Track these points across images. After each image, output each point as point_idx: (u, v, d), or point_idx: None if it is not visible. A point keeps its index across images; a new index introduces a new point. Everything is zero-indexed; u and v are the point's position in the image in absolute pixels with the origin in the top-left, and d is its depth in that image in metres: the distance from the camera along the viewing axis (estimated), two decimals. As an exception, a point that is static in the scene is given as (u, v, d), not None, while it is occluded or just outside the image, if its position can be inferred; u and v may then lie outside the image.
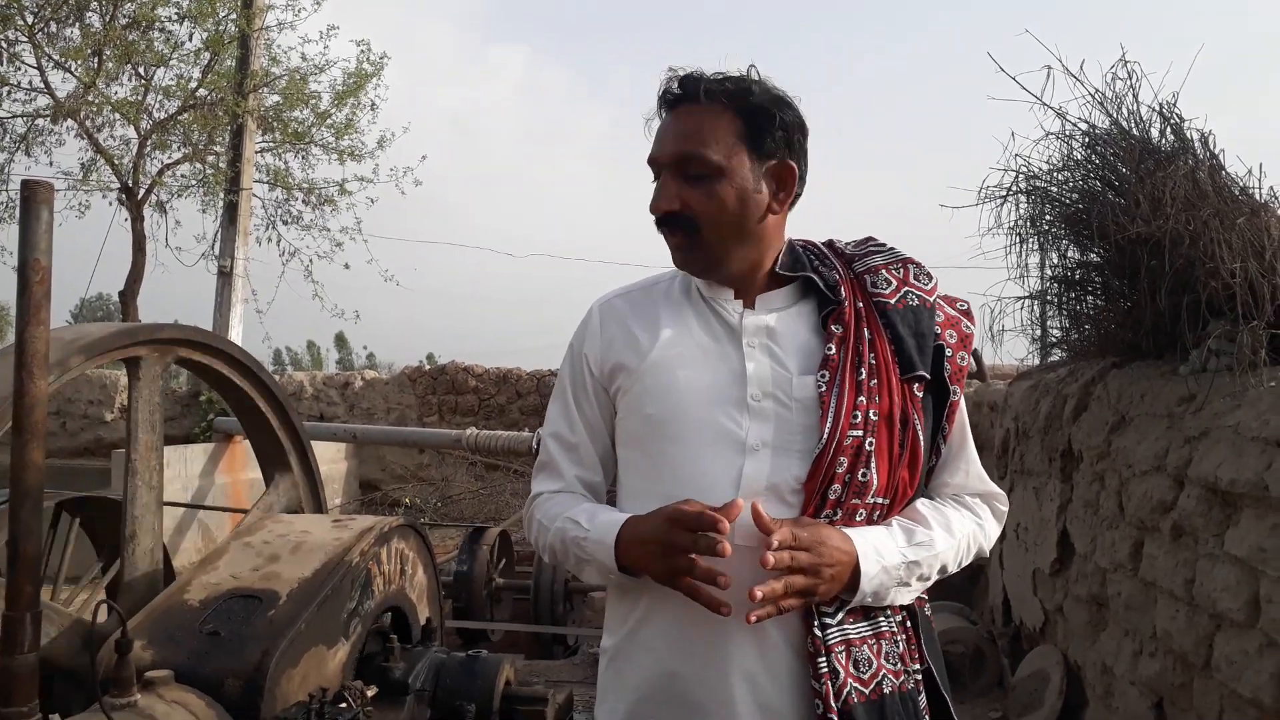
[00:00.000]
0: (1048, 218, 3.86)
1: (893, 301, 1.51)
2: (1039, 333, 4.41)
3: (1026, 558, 4.44)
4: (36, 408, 1.43)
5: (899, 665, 1.42)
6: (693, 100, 1.47)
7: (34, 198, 1.50)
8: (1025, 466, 4.57)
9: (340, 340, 59.43)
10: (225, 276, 11.10)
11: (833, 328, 1.47)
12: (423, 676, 2.25)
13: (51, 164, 13.55)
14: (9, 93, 13.16)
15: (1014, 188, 3.83)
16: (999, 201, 3.87)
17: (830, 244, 1.61)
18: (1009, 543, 4.78)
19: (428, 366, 12.20)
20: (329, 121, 14.21)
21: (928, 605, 1.55)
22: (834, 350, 1.45)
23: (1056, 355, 4.64)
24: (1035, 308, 4.22)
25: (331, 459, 10.31)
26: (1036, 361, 4.79)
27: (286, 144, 14.21)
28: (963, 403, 1.55)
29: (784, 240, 1.56)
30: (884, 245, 1.59)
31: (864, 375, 1.44)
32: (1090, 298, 4.05)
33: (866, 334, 1.47)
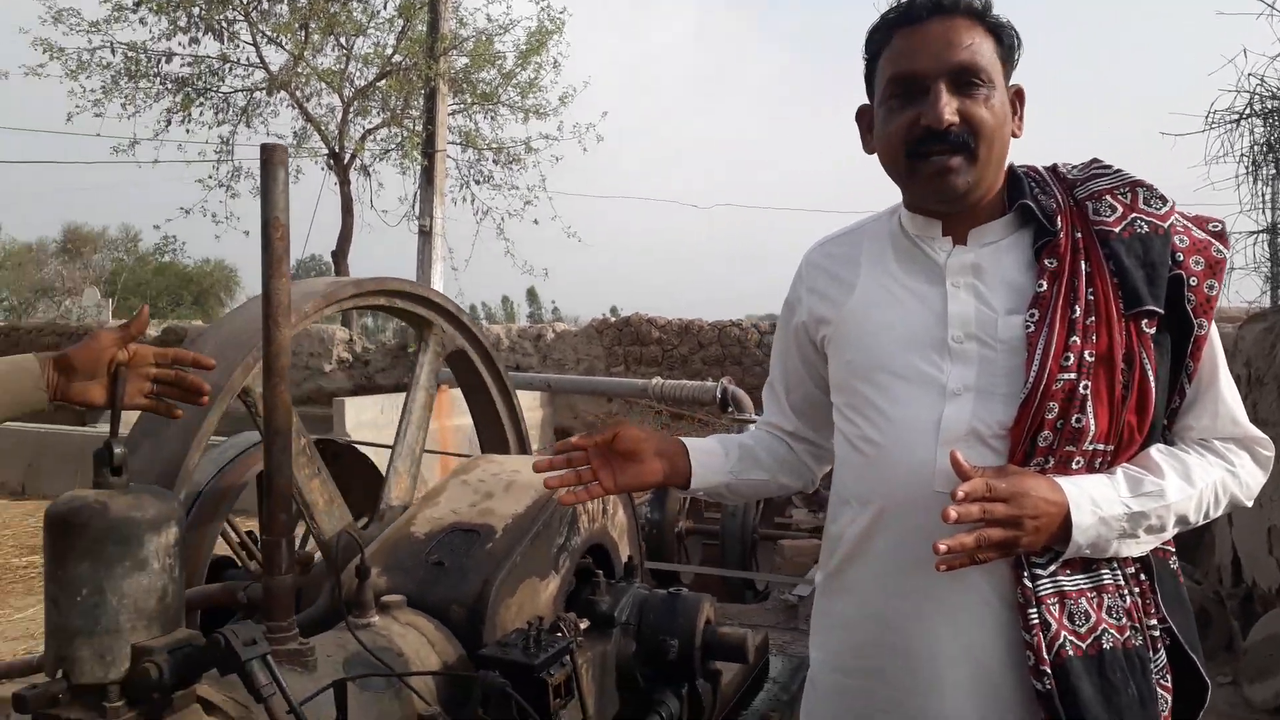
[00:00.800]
0: (1290, 139, 3.48)
1: (1117, 230, 1.38)
2: (1274, 270, 4.01)
3: (1260, 515, 4.10)
4: (282, 354, 1.57)
5: (1123, 620, 1.32)
6: (949, 12, 1.38)
7: (271, 160, 1.62)
8: (1259, 415, 4.20)
9: (531, 295, 61.63)
10: (425, 235, 11.70)
11: (1046, 262, 1.37)
12: (627, 611, 2.33)
13: (268, 134, 14.65)
14: (230, 69, 14.28)
15: (1247, 110, 3.47)
16: (1230, 126, 3.52)
17: (1054, 169, 1.49)
18: (1239, 496, 4.42)
19: (613, 319, 12.45)
20: (514, 81, 14.62)
21: (1173, 559, 1.43)
22: (1045, 287, 1.36)
23: (1295, 293, 4.21)
24: (1270, 243, 3.83)
25: (528, 407, 10.77)
26: (1269, 303, 4.36)
27: (476, 105, 14.74)
28: (1214, 337, 1.40)
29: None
30: (1110, 168, 1.46)
31: (1078, 313, 1.33)
32: (1340, 226, 3.64)
33: (1084, 267, 1.36)
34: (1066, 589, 1.31)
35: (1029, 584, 1.31)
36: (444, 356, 2.82)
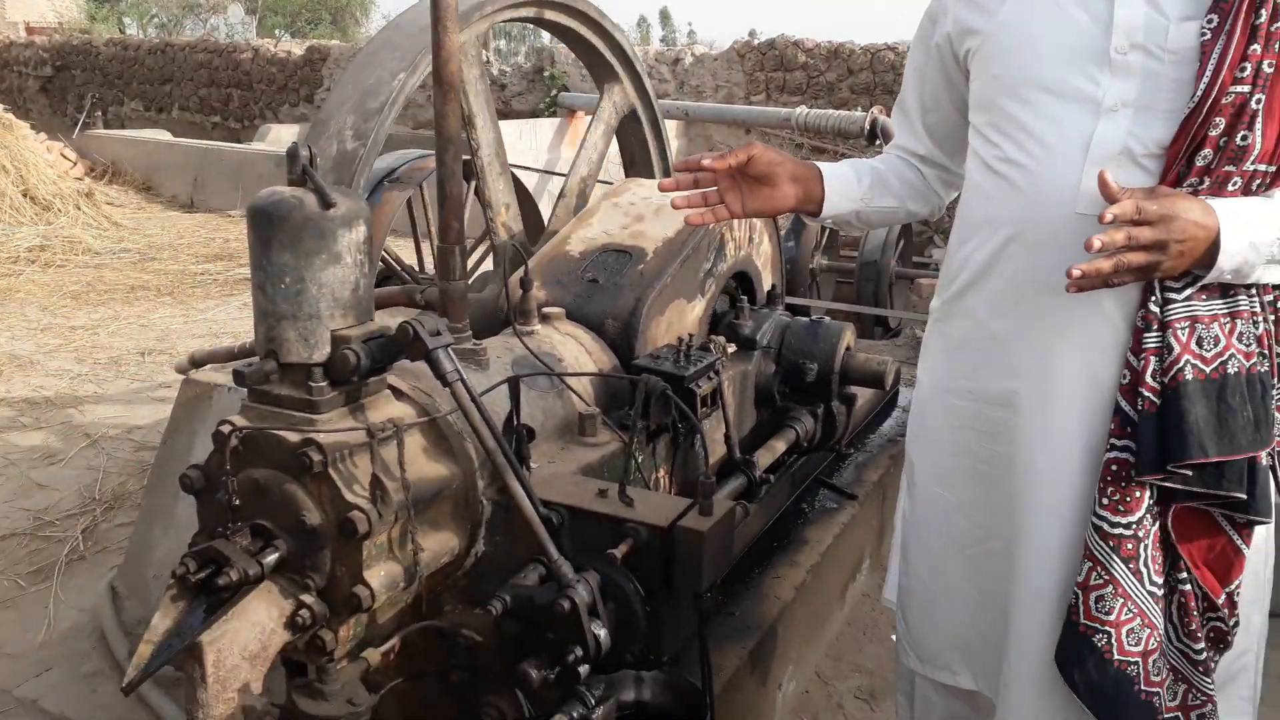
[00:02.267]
0: None
1: None
2: None
3: None
4: (451, 61, 1.57)
5: (1252, 346, 1.29)
6: None
7: None
8: None
9: (664, 16, 58.67)
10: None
11: None
12: (769, 334, 2.40)
13: None
14: None
15: None
16: None
17: None
18: None
19: (755, 42, 11.81)
20: None
21: None
22: None
23: None
24: None
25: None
26: None
27: None
28: None
29: None
30: None
31: (1264, 18, 1.20)
32: None
33: None
34: (1200, 314, 1.28)
35: (1155, 309, 1.27)
36: (623, 111, 2.86)
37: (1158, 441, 1.27)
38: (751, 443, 2.28)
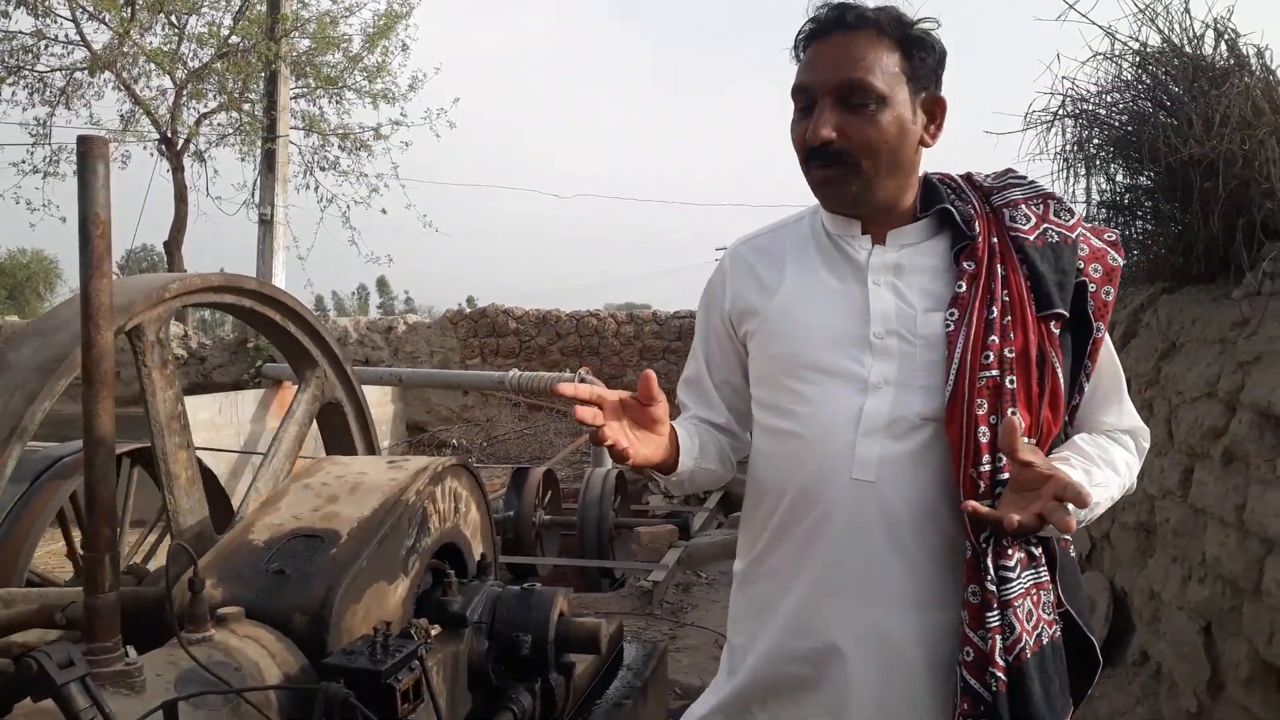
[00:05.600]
0: (1095, 141, 3.77)
1: (1031, 238, 1.45)
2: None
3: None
4: (104, 359, 1.48)
5: (1051, 614, 1.39)
6: (852, 27, 1.41)
7: (90, 153, 1.52)
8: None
9: (382, 284, 59.98)
10: (266, 224, 11.22)
11: (964, 264, 1.44)
12: (480, 609, 2.31)
13: (91, 117, 13.70)
14: (46, 46, 13.26)
15: (1060, 111, 3.74)
16: (1045, 126, 3.78)
17: (968, 177, 1.57)
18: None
19: (468, 310, 12.29)
20: (361, 65, 14.16)
21: (1072, 547, 1.52)
22: (964, 287, 1.42)
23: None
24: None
25: (378, 402, 10.50)
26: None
27: (320, 89, 14.21)
28: (1108, 339, 1.50)
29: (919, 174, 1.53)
30: (1024, 179, 1.55)
31: (995, 313, 1.40)
32: (1139, 223, 3.97)
33: (1000, 270, 1.43)
34: (1021, 591, 1.36)
35: (993, 588, 1.34)
36: (321, 404, 2.80)
37: None
38: (467, 730, 2.13)
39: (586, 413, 1.33)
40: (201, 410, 8.51)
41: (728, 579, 3.15)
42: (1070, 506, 1.25)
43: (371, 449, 3.11)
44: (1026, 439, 1.35)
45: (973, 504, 1.29)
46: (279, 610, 1.84)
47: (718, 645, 1.56)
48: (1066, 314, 1.43)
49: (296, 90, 13.59)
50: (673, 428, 1.53)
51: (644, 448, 1.40)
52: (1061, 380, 1.41)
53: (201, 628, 1.68)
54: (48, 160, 13.75)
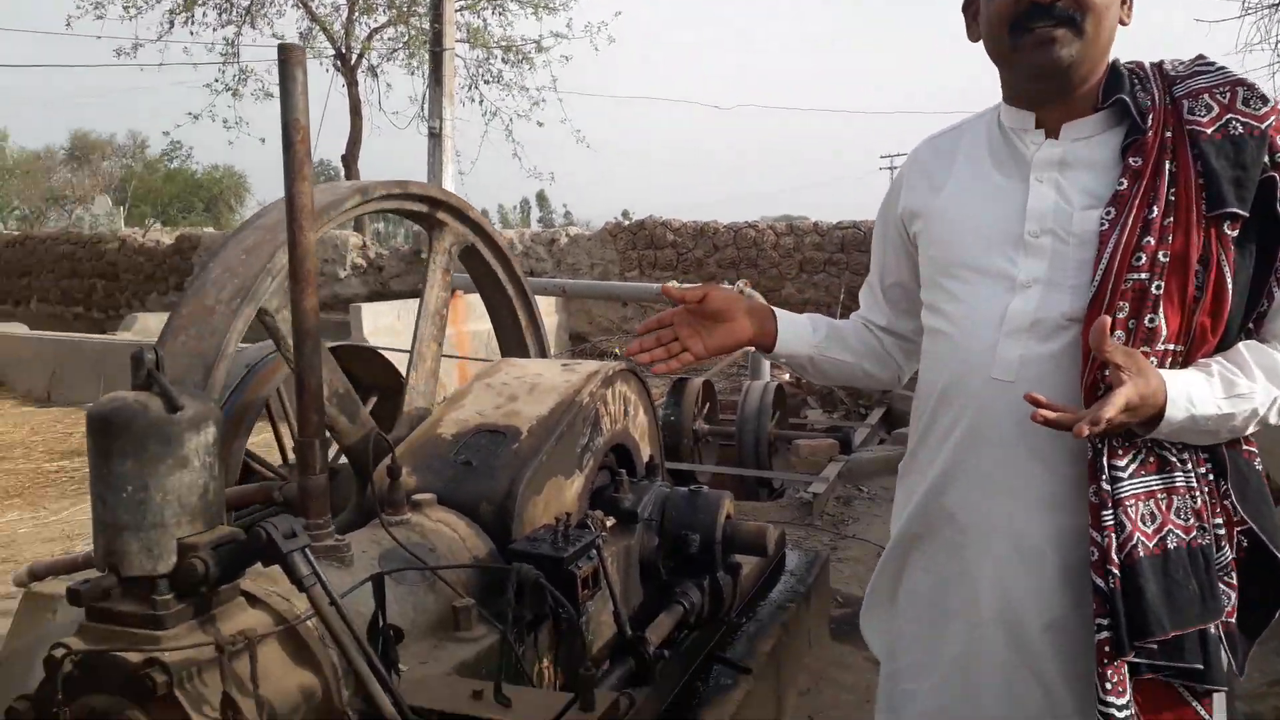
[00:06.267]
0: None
1: (1209, 130, 1.36)
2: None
3: None
4: (308, 258, 1.57)
5: (1190, 521, 1.35)
6: None
7: (290, 60, 1.59)
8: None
9: (541, 199, 61.03)
10: (435, 138, 11.54)
11: (1131, 160, 1.37)
12: (650, 507, 2.38)
13: (273, 35, 14.32)
14: (233, -33, 13.88)
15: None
16: (1267, 10, 3.40)
17: (1159, 65, 1.46)
18: None
19: (626, 222, 12.35)
20: (523, -27, 14.17)
21: (1258, 460, 1.44)
22: (1126, 185, 1.36)
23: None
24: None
25: (543, 312, 10.77)
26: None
27: (483, 2, 14.33)
28: None
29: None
30: (1213, 65, 1.43)
31: (1155, 213, 1.33)
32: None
33: (1169, 166, 1.35)
34: (1139, 491, 1.34)
35: (1107, 487, 1.33)
36: (456, 254, 2.82)
37: (1127, 618, 1.31)
38: (639, 621, 2.22)
39: (634, 346, 1.62)
40: (382, 316, 8.99)
41: (890, 494, 3.09)
42: (1191, 409, 1.28)
43: (542, 347, 3.20)
44: (1173, 345, 1.33)
45: (1032, 394, 1.28)
46: (467, 498, 1.96)
47: (879, 558, 1.59)
48: (1244, 213, 1.33)
49: (461, 2, 13.77)
50: (775, 311, 1.68)
51: (714, 340, 1.61)
52: (1230, 285, 1.33)
53: (399, 511, 1.81)
54: (236, 78, 14.56)
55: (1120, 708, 1.32)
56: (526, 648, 1.74)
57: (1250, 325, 1.39)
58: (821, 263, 11.48)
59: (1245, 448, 1.42)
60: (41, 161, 39.90)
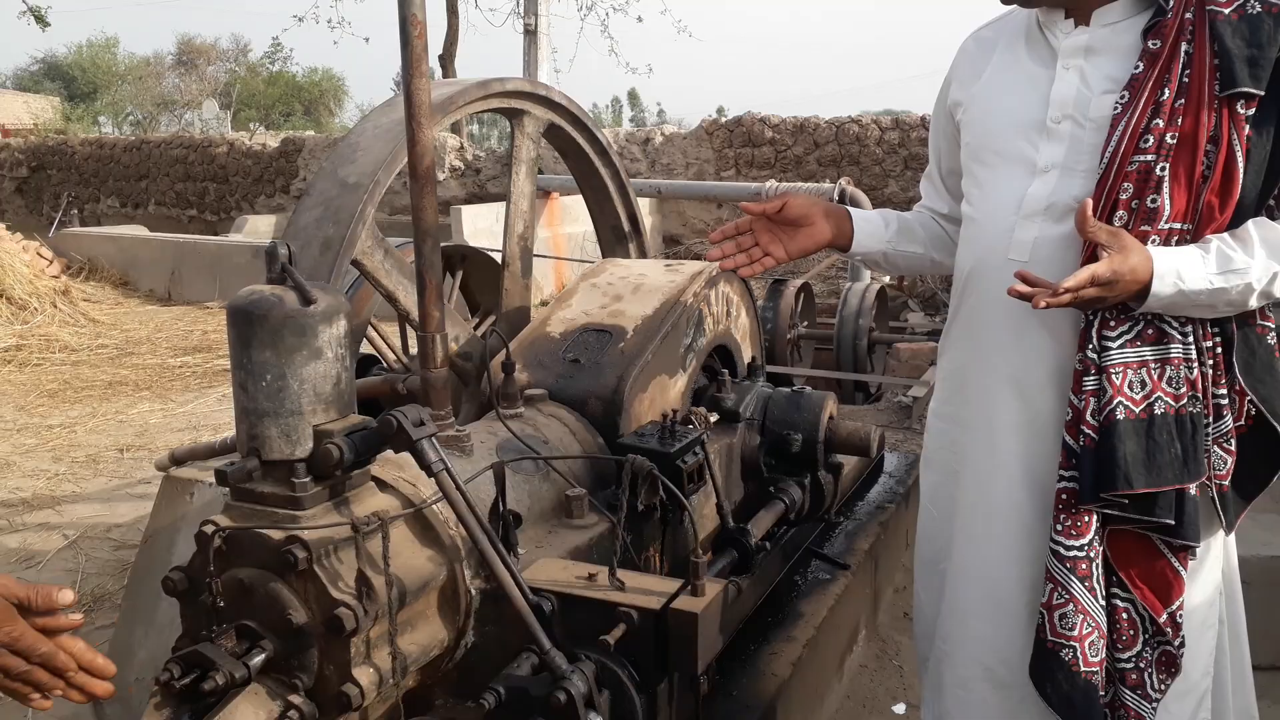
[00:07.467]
0: None
1: (1227, 11, 1.37)
2: None
3: None
4: (426, 155, 1.60)
5: (1182, 389, 1.41)
6: None
7: (403, -44, 1.60)
8: None
9: (633, 97, 60.03)
10: (530, 35, 11.41)
11: (1149, 44, 1.40)
12: (752, 407, 2.40)
13: (370, -66, 14.23)
14: None
15: None
16: None
17: None
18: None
19: (722, 120, 12.07)
20: None
21: (1271, 334, 1.49)
22: (1142, 68, 1.40)
23: None
24: None
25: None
26: None
27: (578, -110, 13.94)
28: None
29: None
30: None
31: (1167, 95, 1.37)
32: None
33: (1184, 49, 1.38)
34: (1130, 360, 1.42)
35: (1093, 356, 1.42)
36: (540, 135, 2.72)
37: (1094, 473, 1.42)
38: (741, 515, 2.27)
39: (715, 252, 1.74)
40: (481, 218, 9.09)
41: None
42: (1179, 284, 1.35)
43: (642, 247, 3.21)
44: (1178, 223, 1.38)
45: (1021, 272, 1.38)
46: (576, 394, 2.01)
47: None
48: (1258, 92, 1.35)
49: (555, -107, 13.42)
50: (850, 212, 1.76)
51: (795, 244, 1.71)
52: (1240, 165, 1.36)
53: (514, 404, 1.87)
54: (334, -21, 14.54)
55: (1071, 549, 1.45)
56: (634, 535, 1.81)
57: (1272, 203, 1.42)
58: (927, 159, 11.06)
59: (1260, 322, 1.47)
60: (151, 67, 41.03)
